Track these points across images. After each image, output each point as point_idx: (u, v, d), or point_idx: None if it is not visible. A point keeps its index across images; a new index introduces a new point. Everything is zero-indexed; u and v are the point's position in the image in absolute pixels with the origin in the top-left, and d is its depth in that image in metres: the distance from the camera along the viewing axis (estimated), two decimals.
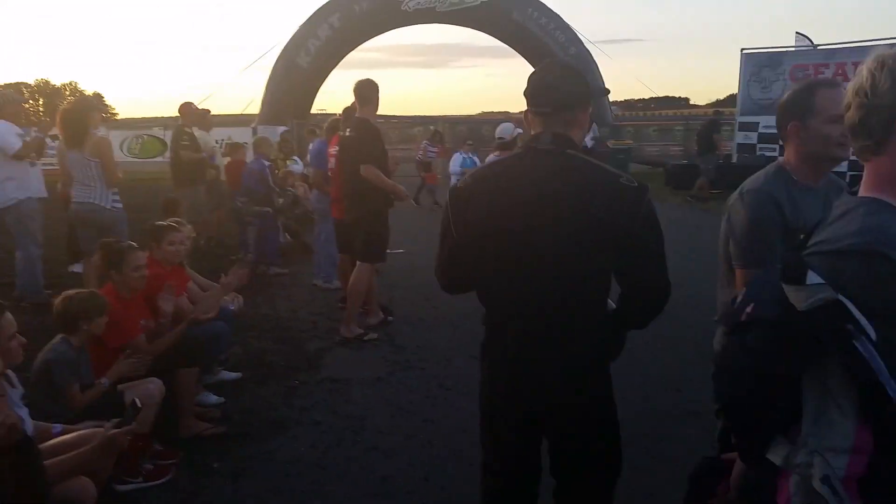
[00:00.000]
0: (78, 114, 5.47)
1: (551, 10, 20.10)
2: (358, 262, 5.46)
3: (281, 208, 7.73)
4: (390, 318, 5.90)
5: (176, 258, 4.23)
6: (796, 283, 1.29)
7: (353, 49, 20.58)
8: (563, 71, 2.02)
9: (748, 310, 1.42)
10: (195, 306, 4.07)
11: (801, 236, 2.10)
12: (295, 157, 11.73)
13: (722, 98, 52.98)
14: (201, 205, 8.51)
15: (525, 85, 2.00)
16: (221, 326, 4.19)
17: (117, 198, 5.58)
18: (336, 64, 20.54)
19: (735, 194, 2.23)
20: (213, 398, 4.22)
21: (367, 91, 5.41)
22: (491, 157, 6.36)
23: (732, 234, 2.20)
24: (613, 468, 2.13)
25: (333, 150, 6.34)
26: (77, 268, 6.83)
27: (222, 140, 13.93)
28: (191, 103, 8.73)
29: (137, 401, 2.91)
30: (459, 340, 5.41)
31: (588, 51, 20.65)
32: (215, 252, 8.53)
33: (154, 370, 3.55)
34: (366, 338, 5.41)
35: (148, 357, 3.59)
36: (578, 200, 1.86)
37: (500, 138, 6.11)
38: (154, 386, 3.41)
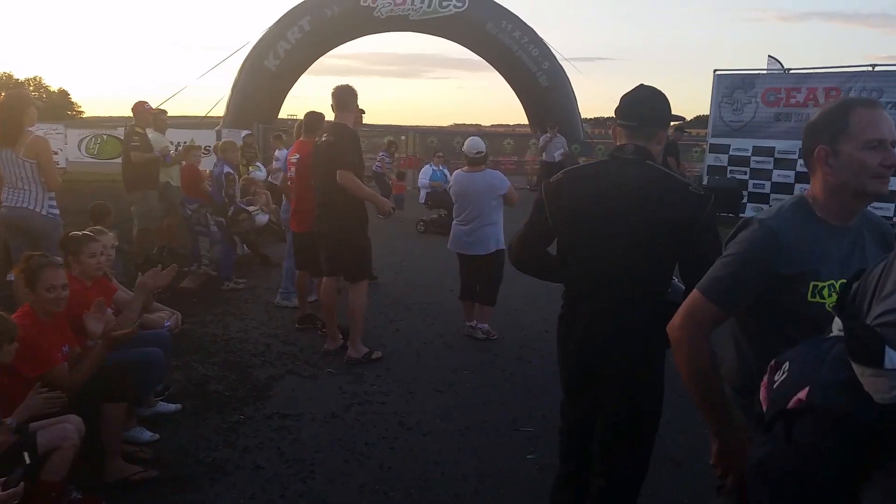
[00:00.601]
0: (11, 109, 4.95)
1: (525, 24, 19.99)
2: (351, 284, 5.18)
3: (231, 220, 7.23)
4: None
5: (97, 271, 3.81)
6: (871, 364, 0.97)
7: (323, 54, 20.23)
8: (650, 93, 2.33)
9: (800, 395, 1.09)
10: (117, 319, 3.64)
11: (838, 291, 1.67)
12: (258, 164, 11.29)
13: (689, 119, 53.87)
14: (154, 210, 7.99)
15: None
16: (154, 353, 3.76)
17: (54, 203, 5.08)
18: (306, 68, 20.16)
19: (746, 218, 1.93)
20: (147, 435, 3.77)
21: (345, 96, 5.10)
22: (458, 172, 6.00)
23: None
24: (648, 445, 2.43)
25: (294, 157, 5.94)
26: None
27: (184, 142, 13.41)
28: (144, 102, 8.18)
29: (27, 455, 2.47)
30: (423, 369, 5.03)
31: (561, 66, 20.59)
32: (167, 263, 7.97)
33: (75, 405, 3.11)
34: (373, 356, 5.14)
35: (69, 389, 3.15)
36: (652, 203, 2.18)
37: (478, 152, 5.76)
38: (71, 426, 2.96)
